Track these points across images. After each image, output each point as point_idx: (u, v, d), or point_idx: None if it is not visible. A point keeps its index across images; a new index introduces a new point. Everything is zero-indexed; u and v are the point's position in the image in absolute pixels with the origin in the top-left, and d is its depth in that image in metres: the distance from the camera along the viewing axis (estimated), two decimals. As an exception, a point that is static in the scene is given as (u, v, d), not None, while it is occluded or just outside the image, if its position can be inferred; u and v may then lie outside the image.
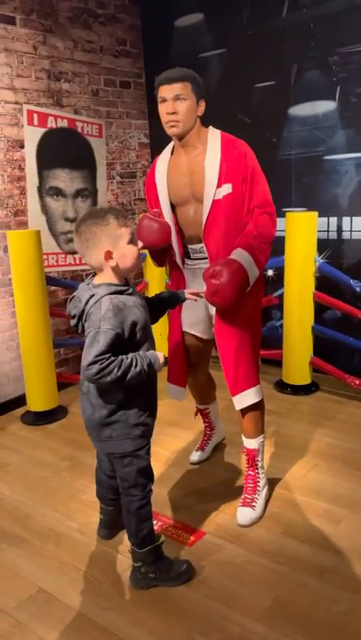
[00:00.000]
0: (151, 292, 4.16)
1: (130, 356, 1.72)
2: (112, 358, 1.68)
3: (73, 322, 1.85)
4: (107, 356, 1.67)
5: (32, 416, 3.42)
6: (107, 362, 1.66)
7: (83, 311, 1.77)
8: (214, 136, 2.13)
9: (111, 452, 1.89)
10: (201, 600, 1.90)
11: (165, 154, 2.25)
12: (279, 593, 1.92)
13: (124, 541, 2.22)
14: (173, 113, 2.05)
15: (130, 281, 1.87)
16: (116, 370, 1.67)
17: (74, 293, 1.84)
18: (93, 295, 1.74)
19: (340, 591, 1.91)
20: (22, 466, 2.89)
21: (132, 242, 1.77)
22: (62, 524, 2.37)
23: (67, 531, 2.32)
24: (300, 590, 1.93)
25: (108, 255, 1.73)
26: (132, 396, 1.81)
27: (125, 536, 2.23)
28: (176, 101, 2.04)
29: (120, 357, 1.70)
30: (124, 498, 1.94)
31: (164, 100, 2.06)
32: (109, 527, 2.25)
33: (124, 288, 1.78)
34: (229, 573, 2.02)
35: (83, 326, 1.80)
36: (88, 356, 1.66)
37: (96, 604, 1.92)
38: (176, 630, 1.79)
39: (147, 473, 1.92)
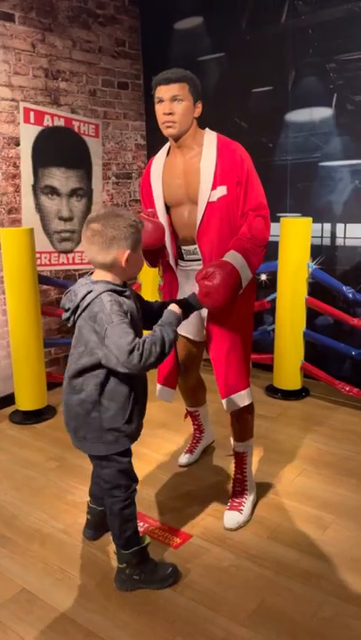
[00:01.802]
0: (144, 294, 4.16)
1: (155, 329, 1.73)
2: (144, 339, 1.66)
3: (65, 315, 1.81)
4: (137, 340, 1.64)
5: (21, 415, 3.39)
6: (142, 345, 1.64)
7: (77, 306, 1.74)
8: (211, 138, 2.13)
9: (87, 453, 1.87)
10: (186, 603, 1.89)
11: (161, 154, 2.25)
12: (264, 597, 1.91)
13: (110, 543, 2.20)
14: (170, 114, 2.04)
15: (128, 284, 1.85)
16: (154, 347, 1.65)
17: (70, 287, 1.81)
18: (91, 291, 1.71)
19: (325, 597, 1.91)
20: (9, 465, 2.86)
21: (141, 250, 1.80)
22: (48, 524, 2.35)
23: (52, 531, 2.30)
24: (285, 595, 1.92)
25: (127, 257, 1.72)
26: (109, 400, 1.77)
27: (111, 537, 2.22)
28: (173, 102, 2.04)
29: (150, 336, 1.68)
30: (106, 499, 1.92)
31: (161, 101, 2.05)
32: (95, 528, 2.23)
33: (123, 289, 1.77)
34: (215, 577, 2.01)
35: (74, 322, 1.78)
36: (121, 349, 1.61)
37: (80, 605, 1.90)
38: (160, 633, 1.77)
39: (128, 474, 1.89)
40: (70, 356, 1.82)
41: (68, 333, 4.00)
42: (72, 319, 1.78)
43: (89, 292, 1.71)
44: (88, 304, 1.70)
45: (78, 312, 1.74)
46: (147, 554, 1.97)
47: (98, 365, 1.73)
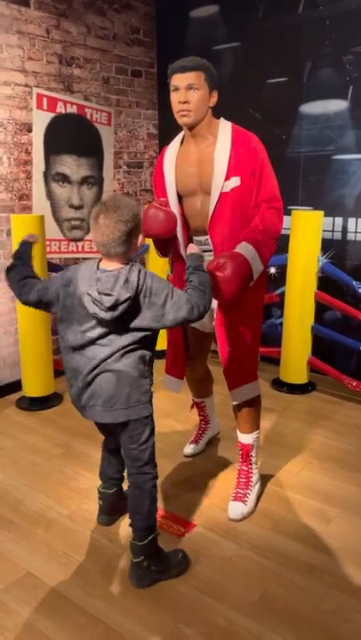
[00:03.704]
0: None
1: (191, 277, 1.84)
2: (190, 291, 1.78)
3: (107, 314, 1.70)
4: (186, 295, 1.77)
5: (27, 401, 3.41)
6: (195, 298, 1.76)
7: (136, 292, 1.72)
8: (225, 128, 2.11)
9: (137, 416, 1.84)
10: (189, 591, 1.90)
11: (175, 143, 2.23)
12: (267, 588, 1.92)
13: (114, 529, 2.22)
14: (185, 102, 2.02)
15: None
16: (202, 294, 1.78)
17: (91, 294, 1.71)
18: (138, 273, 1.74)
19: (328, 589, 1.91)
20: (15, 451, 2.88)
21: None
22: (53, 509, 2.37)
23: (57, 517, 2.32)
24: (288, 586, 1.93)
25: (140, 241, 1.80)
26: (147, 365, 1.84)
27: (117, 525, 2.24)
28: (189, 91, 2.02)
29: (192, 287, 1.80)
30: (137, 478, 1.91)
31: (177, 89, 2.04)
32: (109, 513, 2.25)
33: None
34: (218, 566, 2.02)
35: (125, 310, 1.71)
36: (182, 309, 1.73)
37: (84, 590, 1.92)
38: (163, 620, 1.79)
39: (154, 449, 1.94)
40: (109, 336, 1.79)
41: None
42: (119, 310, 1.70)
43: (137, 276, 1.72)
44: (143, 286, 1.73)
45: (136, 299, 1.72)
46: (157, 542, 1.97)
47: (145, 338, 1.79)
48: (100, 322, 1.75)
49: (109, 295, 1.68)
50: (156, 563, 1.93)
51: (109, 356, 1.77)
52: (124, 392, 1.80)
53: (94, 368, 1.79)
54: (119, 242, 1.70)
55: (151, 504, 1.92)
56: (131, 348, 1.78)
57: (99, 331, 1.77)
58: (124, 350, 1.77)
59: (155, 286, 1.74)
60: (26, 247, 2.09)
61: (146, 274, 1.76)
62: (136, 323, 1.75)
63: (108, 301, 1.68)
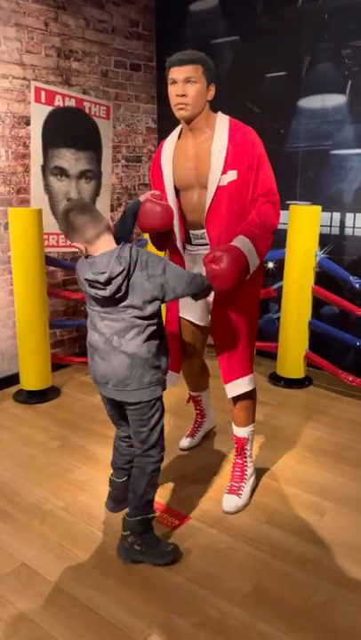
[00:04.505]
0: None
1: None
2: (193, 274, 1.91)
3: (104, 292, 1.81)
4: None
5: (25, 395, 3.42)
6: (199, 276, 1.88)
7: (128, 269, 1.80)
8: (223, 121, 2.11)
9: (150, 398, 1.93)
10: (182, 583, 1.92)
11: (172, 137, 2.23)
12: (260, 580, 1.93)
13: (110, 522, 2.23)
14: (183, 95, 2.02)
15: None
16: (198, 282, 1.87)
17: (105, 271, 1.80)
18: (130, 249, 1.81)
19: (321, 582, 1.93)
20: (12, 443, 2.89)
21: None
22: (49, 501, 2.38)
23: (53, 508, 2.33)
24: (281, 578, 1.94)
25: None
26: (158, 346, 1.92)
27: (113, 517, 2.25)
28: (186, 84, 2.02)
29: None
30: (141, 459, 1.99)
31: (175, 82, 2.03)
32: (117, 500, 2.28)
33: None
34: (212, 558, 2.04)
35: (118, 287, 1.80)
36: (181, 277, 1.84)
37: (78, 581, 1.94)
38: (156, 611, 1.80)
39: (163, 430, 2.01)
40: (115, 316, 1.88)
41: (73, 315, 4.01)
42: (116, 285, 1.80)
43: (130, 252, 1.80)
44: (136, 260, 1.80)
45: (131, 272, 1.80)
46: (151, 526, 2.02)
47: (153, 315, 1.87)
48: (104, 301, 1.85)
49: (103, 273, 1.79)
50: (141, 544, 1.98)
51: (119, 334, 1.86)
52: (136, 374, 1.89)
53: (105, 343, 1.89)
54: (94, 229, 1.82)
55: (147, 487, 1.98)
56: (139, 325, 1.86)
57: (106, 310, 1.88)
58: (135, 330, 1.86)
59: (150, 259, 1.82)
60: (130, 220, 2.10)
61: (139, 249, 1.84)
62: (139, 297, 1.82)
63: (102, 278, 1.79)
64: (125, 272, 1.79)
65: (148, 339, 1.88)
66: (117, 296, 1.82)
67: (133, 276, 1.81)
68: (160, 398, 1.98)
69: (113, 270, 1.78)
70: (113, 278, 1.78)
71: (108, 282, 1.79)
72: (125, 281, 1.80)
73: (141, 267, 1.81)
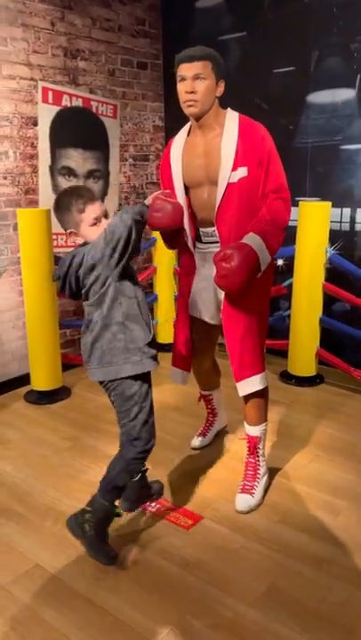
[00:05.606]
0: (159, 278, 4.15)
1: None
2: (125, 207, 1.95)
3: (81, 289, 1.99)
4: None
5: (36, 395, 3.42)
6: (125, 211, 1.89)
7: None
8: (232, 118, 2.09)
9: (114, 377, 1.93)
10: (196, 583, 1.91)
11: (182, 134, 2.22)
12: (274, 580, 1.92)
13: (122, 523, 2.22)
14: (192, 92, 2.01)
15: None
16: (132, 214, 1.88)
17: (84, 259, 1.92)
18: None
19: (336, 581, 1.91)
20: (24, 444, 2.89)
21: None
22: (62, 502, 2.38)
23: (66, 509, 2.32)
24: (295, 578, 1.93)
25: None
26: (131, 322, 1.93)
27: (125, 518, 2.24)
28: (195, 80, 2.00)
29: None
30: (124, 449, 2.00)
31: (184, 79, 2.02)
32: (132, 500, 2.25)
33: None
34: (225, 558, 2.02)
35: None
36: (124, 220, 1.85)
37: (92, 582, 1.93)
38: (170, 612, 1.79)
39: (149, 425, 1.99)
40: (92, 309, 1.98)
41: (83, 315, 4.01)
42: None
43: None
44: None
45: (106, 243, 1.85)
46: (109, 522, 2.02)
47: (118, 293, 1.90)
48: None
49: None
50: (91, 528, 1.98)
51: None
52: (115, 347, 1.90)
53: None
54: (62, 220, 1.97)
55: (120, 472, 1.98)
56: (111, 298, 1.90)
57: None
58: (106, 305, 1.91)
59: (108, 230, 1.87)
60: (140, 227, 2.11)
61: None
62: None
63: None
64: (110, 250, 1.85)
65: (121, 309, 1.92)
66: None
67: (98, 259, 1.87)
68: (145, 379, 1.98)
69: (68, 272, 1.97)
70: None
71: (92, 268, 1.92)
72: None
73: (105, 242, 1.85)
